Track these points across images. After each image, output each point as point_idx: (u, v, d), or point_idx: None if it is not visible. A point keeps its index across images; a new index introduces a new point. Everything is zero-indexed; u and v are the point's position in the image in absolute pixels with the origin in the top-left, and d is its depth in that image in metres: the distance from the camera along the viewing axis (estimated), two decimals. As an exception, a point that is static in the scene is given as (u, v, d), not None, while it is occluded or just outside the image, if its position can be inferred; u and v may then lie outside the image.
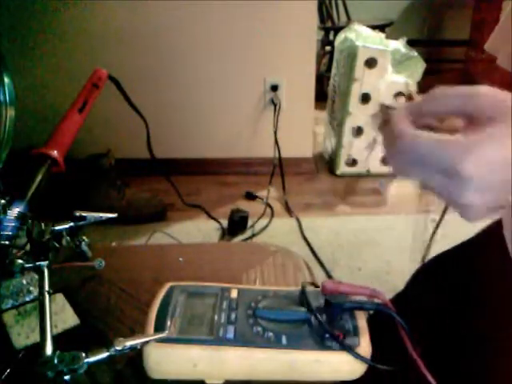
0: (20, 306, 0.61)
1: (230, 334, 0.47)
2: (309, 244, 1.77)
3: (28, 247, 0.57)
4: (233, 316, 0.49)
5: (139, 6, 1.98)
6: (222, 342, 0.46)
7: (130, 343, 0.45)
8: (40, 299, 0.52)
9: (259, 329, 0.47)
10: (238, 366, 0.46)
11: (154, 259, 0.74)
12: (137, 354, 0.47)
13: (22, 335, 0.57)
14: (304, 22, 2.03)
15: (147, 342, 0.46)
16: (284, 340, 0.46)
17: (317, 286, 0.54)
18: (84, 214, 0.63)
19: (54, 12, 1.98)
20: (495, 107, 0.29)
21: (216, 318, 0.49)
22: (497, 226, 0.54)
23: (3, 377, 0.51)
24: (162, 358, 0.47)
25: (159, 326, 0.48)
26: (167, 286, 0.54)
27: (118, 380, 0.52)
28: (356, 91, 2.10)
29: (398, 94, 2.09)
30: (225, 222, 1.90)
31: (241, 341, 0.46)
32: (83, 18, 2.01)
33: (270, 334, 0.47)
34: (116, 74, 0.71)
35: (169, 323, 0.48)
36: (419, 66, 2.07)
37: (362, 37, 2.08)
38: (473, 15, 3.25)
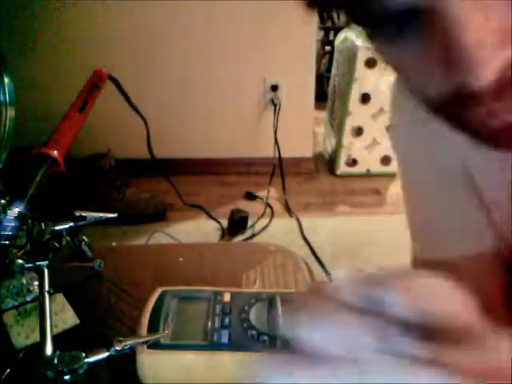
0: (20, 305, 0.61)
1: (225, 339, 0.47)
2: (309, 244, 1.77)
3: (28, 247, 0.57)
4: (226, 320, 0.49)
5: (139, 6, 1.98)
6: (216, 347, 0.46)
7: (129, 343, 0.45)
8: (40, 299, 0.52)
9: (253, 333, 0.47)
10: (233, 371, 0.46)
11: (154, 259, 0.74)
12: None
13: (22, 335, 0.57)
14: (304, 22, 2.03)
15: (147, 343, 0.46)
16: (279, 344, 0.46)
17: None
18: (84, 214, 0.63)
19: (53, 12, 1.98)
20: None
21: (209, 322, 0.48)
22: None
23: (3, 377, 0.51)
24: (155, 364, 0.46)
25: (152, 332, 0.48)
26: (159, 291, 0.53)
27: (117, 380, 0.52)
28: (356, 91, 2.10)
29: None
30: (225, 222, 1.90)
31: (235, 345, 0.46)
32: (83, 18, 2.01)
33: (265, 337, 0.46)
34: (116, 74, 0.70)
35: (162, 329, 0.48)
36: (419, 66, 2.06)
37: (362, 37, 2.08)
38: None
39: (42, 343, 0.47)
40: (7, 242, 0.51)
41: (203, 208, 2.00)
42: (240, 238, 1.85)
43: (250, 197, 2.12)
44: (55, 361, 0.44)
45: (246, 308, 0.50)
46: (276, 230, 1.89)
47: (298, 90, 2.19)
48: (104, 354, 0.45)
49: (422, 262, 0.55)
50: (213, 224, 1.92)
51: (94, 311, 0.62)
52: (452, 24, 0.24)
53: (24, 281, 0.63)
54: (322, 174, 2.35)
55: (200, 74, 2.15)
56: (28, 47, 2.05)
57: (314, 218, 1.97)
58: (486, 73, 0.25)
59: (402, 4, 0.25)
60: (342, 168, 2.29)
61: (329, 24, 3.16)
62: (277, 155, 2.21)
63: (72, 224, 0.62)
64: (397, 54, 0.30)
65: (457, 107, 0.29)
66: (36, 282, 0.62)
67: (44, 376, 0.43)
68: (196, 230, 1.88)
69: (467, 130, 0.32)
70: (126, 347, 0.45)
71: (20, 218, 0.53)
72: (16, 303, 0.62)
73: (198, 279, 0.56)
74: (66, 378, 0.43)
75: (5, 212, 0.52)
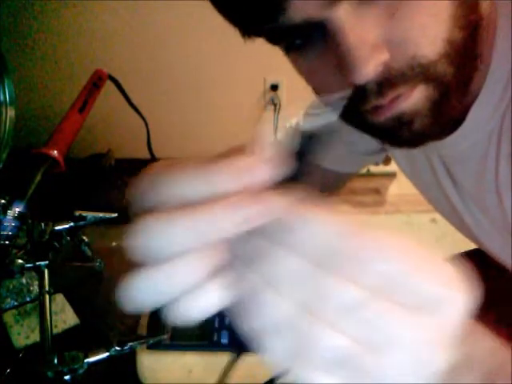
0: (20, 305, 0.61)
1: (225, 339, 0.47)
2: (309, 244, 1.77)
3: (28, 247, 0.57)
4: (226, 320, 0.49)
5: (140, 6, 1.98)
6: (216, 347, 0.46)
7: (129, 343, 0.45)
8: (40, 299, 0.52)
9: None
10: (233, 371, 0.46)
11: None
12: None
13: (22, 335, 0.57)
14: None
15: (147, 343, 0.46)
16: None
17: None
18: (84, 214, 0.62)
19: (53, 12, 1.98)
20: None
21: (209, 323, 0.49)
22: None
23: (3, 377, 0.51)
24: (155, 364, 0.46)
25: (152, 333, 0.48)
26: None
27: (117, 380, 0.52)
28: (356, 91, 2.09)
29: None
30: (225, 222, 1.90)
31: (235, 345, 0.46)
32: (83, 18, 2.01)
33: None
34: (116, 74, 0.70)
35: (161, 329, 0.48)
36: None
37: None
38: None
39: (41, 343, 0.47)
40: (7, 242, 0.51)
41: (203, 208, 2.00)
42: (240, 237, 1.84)
43: (250, 197, 2.12)
44: (55, 361, 0.44)
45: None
46: (276, 230, 1.89)
47: (298, 89, 2.18)
48: (104, 354, 0.45)
49: None
50: (213, 224, 1.92)
51: (94, 311, 0.62)
52: (338, 30, 0.28)
53: (24, 281, 0.63)
54: (322, 174, 2.35)
55: (200, 73, 2.15)
56: (28, 47, 2.05)
57: (314, 217, 1.97)
58: (366, 70, 0.28)
59: (303, 17, 0.29)
60: (342, 168, 2.29)
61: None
62: (277, 155, 2.21)
63: (72, 224, 0.62)
64: (306, 64, 0.35)
65: (350, 107, 0.32)
66: (36, 282, 0.62)
67: (44, 376, 0.43)
68: (196, 230, 1.88)
69: (366, 130, 0.36)
70: (126, 347, 0.45)
71: (20, 218, 0.53)
72: (16, 303, 0.62)
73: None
74: (66, 378, 0.43)
75: (5, 212, 0.52)
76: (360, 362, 0.19)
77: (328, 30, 0.29)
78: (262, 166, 0.19)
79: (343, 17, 0.28)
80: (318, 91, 0.38)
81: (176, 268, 0.20)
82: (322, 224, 0.19)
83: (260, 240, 0.20)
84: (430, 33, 0.30)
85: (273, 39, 0.34)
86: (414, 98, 0.32)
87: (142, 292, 0.21)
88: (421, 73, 0.30)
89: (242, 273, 0.21)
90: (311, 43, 0.32)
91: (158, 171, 0.21)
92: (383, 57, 0.29)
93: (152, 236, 0.20)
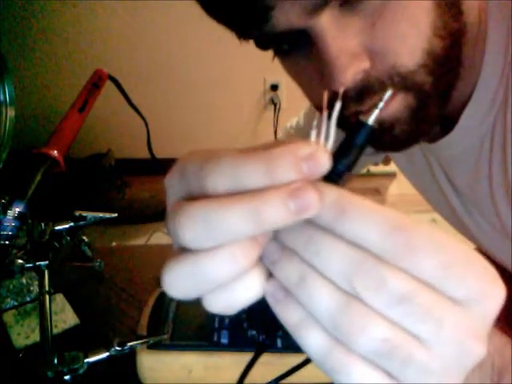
0: (20, 305, 0.61)
1: (225, 339, 0.47)
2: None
3: (28, 247, 0.57)
4: (226, 320, 0.49)
5: (139, 6, 1.98)
6: (216, 347, 0.46)
7: (129, 343, 0.45)
8: (40, 299, 0.52)
9: (253, 333, 0.47)
10: (233, 371, 0.46)
11: (154, 259, 0.74)
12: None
13: (22, 335, 0.57)
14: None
15: (147, 343, 0.46)
16: (279, 343, 0.46)
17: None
18: (84, 214, 0.63)
19: (53, 12, 1.98)
20: None
21: (209, 322, 0.49)
22: None
23: (3, 377, 0.51)
24: (155, 364, 0.46)
25: (152, 333, 0.48)
26: (159, 291, 0.54)
27: (117, 380, 0.52)
28: (356, 91, 2.09)
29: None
30: (225, 222, 1.89)
31: (235, 345, 0.46)
32: (83, 18, 2.01)
33: (265, 337, 0.46)
34: (116, 74, 0.70)
35: (161, 329, 0.48)
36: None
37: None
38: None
39: (41, 343, 0.47)
40: (7, 242, 0.51)
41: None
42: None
43: (250, 197, 2.11)
44: (55, 361, 0.44)
45: (246, 308, 0.50)
46: (276, 230, 1.88)
47: (298, 89, 2.18)
48: (104, 354, 0.45)
49: None
50: (213, 224, 1.92)
51: (94, 311, 0.62)
52: (320, 39, 0.29)
53: (24, 281, 0.63)
54: (322, 174, 2.35)
55: (200, 73, 2.15)
56: (28, 47, 2.05)
57: (314, 217, 1.96)
58: (344, 78, 0.29)
59: (286, 26, 0.29)
60: (342, 168, 2.29)
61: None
62: (277, 155, 2.20)
63: (72, 224, 0.62)
64: (293, 67, 0.37)
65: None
66: (36, 282, 0.62)
67: (44, 376, 0.43)
68: (196, 230, 1.88)
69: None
70: (126, 347, 0.45)
71: (20, 217, 0.53)
72: (16, 303, 0.62)
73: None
74: (66, 378, 0.43)
75: (5, 212, 0.52)
76: (404, 354, 0.19)
77: (312, 37, 0.30)
78: (324, 155, 0.19)
79: (325, 25, 0.29)
80: (305, 93, 0.39)
81: (226, 256, 0.19)
82: (374, 215, 0.19)
83: (310, 228, 0.20)
84: (409, 43, 0.30)
85: (260, 45, 0.34)
86: (393, 106, 0.32)
87: (185, 279, 0.20)
88: (399, 82, 0.31)
89: (287, 261, 0.20)
90: (297, 48, 0.33)
91: (203, 157, 0.20)
92: (363, 65, 0.30)
93: (204, 222, 0.18)
